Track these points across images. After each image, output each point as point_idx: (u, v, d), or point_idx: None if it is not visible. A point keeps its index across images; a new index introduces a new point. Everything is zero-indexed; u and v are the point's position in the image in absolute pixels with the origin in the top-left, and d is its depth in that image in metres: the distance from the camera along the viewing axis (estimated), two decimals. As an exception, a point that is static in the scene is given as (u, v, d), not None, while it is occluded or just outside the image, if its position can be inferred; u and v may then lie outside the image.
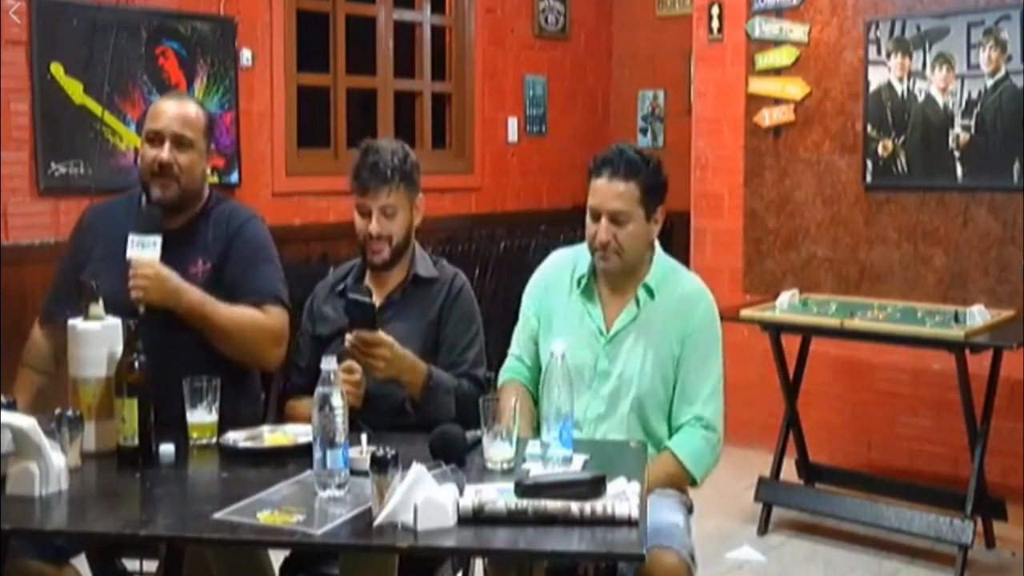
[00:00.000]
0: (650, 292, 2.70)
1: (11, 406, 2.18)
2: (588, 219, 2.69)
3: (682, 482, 2.63)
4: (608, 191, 2.63)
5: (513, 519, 1.93)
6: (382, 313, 2.69)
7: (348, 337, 2.53)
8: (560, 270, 2.82)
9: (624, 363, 2.66)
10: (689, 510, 2.65)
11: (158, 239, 2.61)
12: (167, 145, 2.70)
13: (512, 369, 2.82)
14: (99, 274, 2.61)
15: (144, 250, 2.59)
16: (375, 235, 2.72)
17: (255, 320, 2.69)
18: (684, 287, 2.74)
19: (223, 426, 2.45)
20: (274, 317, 2.73)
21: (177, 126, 2.72)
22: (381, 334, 2.53)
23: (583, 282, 2.75)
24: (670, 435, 2.67)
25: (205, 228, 2.78)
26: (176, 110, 2.76)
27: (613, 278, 2.73)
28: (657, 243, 2.77)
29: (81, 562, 2.61)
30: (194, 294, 2.62)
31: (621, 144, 2.71)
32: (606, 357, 2.68)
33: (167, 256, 2.61)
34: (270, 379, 2.96)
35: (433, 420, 2.40)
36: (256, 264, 2.78)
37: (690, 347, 2.66)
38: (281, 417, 2.78)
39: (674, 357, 2.66)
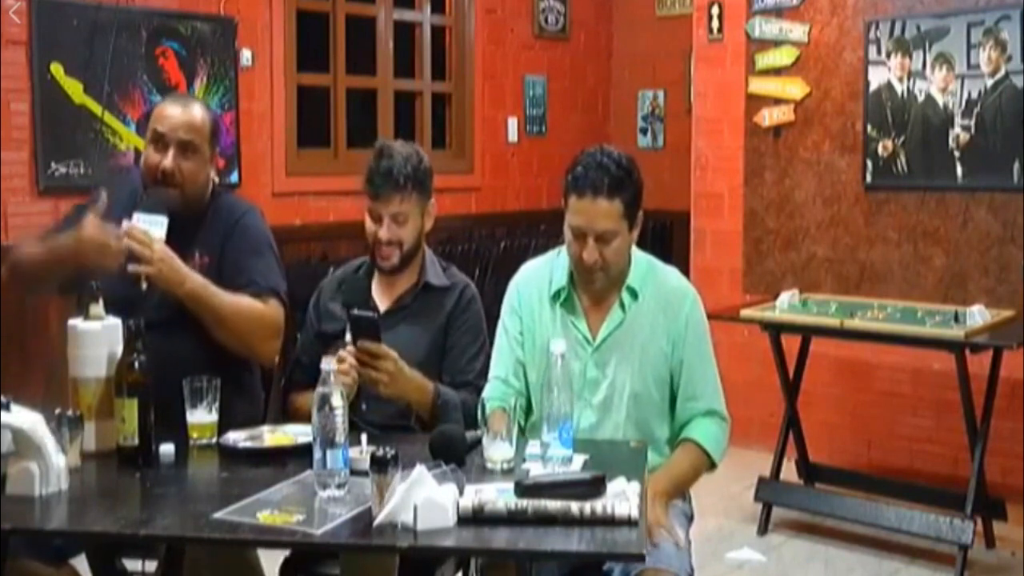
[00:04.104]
0: (634, 294, 2.63)
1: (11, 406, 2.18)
2: (569, 236, 2.55)
3: (703, 469, 2.61)
4: (594, 212, 2.48)
5: (513, 519, 1.93)
6: (391, 317, 2.69)
7: (350, 350, 2.48)
8: (537, 283, 2.71)
9: (615, 370, 2.61)
10: (690, 519, 2.64)
11: (164, 220, 2.58)
12: (171, 152, 2.66)
13: (496, 395, 2.60)
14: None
15: (151, 229, 2.55)
16: (385, 241, 2.70)
17: (254, 310, 2.67)
18: (666, 283, 2.67)
19: (223, 427, 2.44)
20: (273, 309, 2.71)
21: (182, 132, 2.67)
22: (385, 347, 2.49)
23: (563, 295, 2.65)
24: (671, 434, 2.65)
25: (204, 222, 2.76)
26: (182, 115, 2.70)
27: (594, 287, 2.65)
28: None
29: (81, 562, 2.61)
30: (197, 279, 2.60)
31: (596, 154, 2.52)
32: (595, 366, 2.61)
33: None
34: (270, 380, 2.96)
35: None
36: (255, 255, 2.75)
37: (685, 347, 2.62)
38: (283, 413, 2.78)
39: (665, 356, 2.61)
